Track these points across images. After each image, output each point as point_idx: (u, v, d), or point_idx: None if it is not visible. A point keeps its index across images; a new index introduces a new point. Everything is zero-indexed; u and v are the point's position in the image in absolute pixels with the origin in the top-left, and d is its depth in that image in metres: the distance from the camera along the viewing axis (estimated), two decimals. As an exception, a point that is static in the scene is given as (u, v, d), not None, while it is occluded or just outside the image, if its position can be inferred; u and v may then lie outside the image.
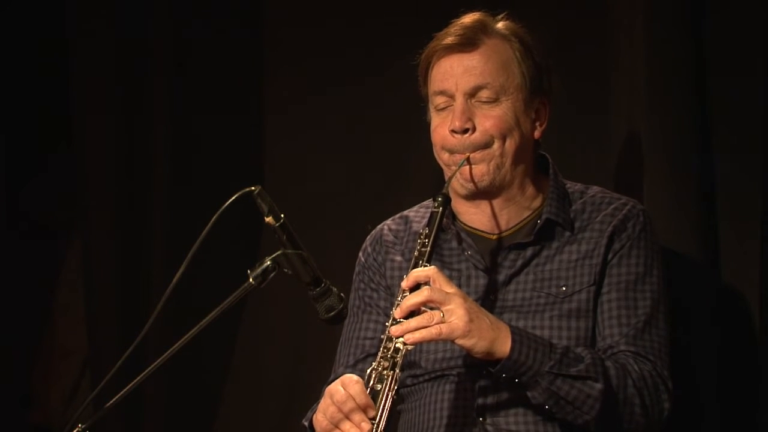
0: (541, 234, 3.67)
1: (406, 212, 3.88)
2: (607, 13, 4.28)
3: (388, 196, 4.54)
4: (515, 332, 3.43)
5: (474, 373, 3.58)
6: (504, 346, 3.41)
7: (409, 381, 3.69)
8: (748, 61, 4.04)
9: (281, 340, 4.83)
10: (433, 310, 3.38)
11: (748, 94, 4.03)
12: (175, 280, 3.19)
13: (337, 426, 3.36)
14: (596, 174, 4.11)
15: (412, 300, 3.38)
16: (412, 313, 3.39)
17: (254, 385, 4.88)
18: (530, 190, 3.72)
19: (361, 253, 3.87)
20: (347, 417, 3.35)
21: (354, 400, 3.35)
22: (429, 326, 3.35)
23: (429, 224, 3.54)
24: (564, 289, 3.62)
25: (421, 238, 3.52)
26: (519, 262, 3.66)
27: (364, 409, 3.34)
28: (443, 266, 3.68)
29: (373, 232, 3.88)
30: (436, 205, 3.57)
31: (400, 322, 3.38)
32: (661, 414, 3.55)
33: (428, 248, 3.49)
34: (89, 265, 5.03)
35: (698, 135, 4.05)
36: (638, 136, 4.14)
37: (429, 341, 3.43)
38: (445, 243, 3.73)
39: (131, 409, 4.83)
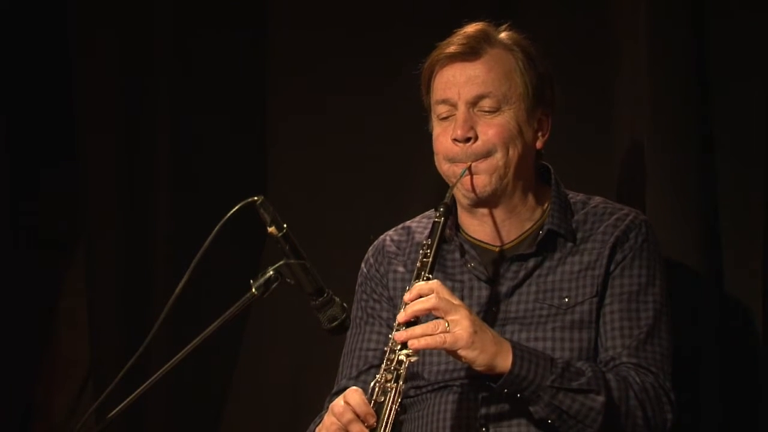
0: (543, 245, 3.67)
1: (408, 223, 3.88)
2: (610, 23, 4.29)
3: (391, 207, 4.54)
4: (516, 347, 3.43)
5: (477, 385, 3.58)
6: (505, 360, 3.41)
7: (412, 392, 3.68)
8: (752, 71, 4.04)
9: (284, 350, 4.83)
10: (437, 320, 3.39)
11: (751, 104, 4.03)
12: (178, 290, 3.19)
13: None
14: (598, 184, 4.10)
15: (418, 306, 3.38)
16: (414, 324, 3.40)
17: (257, 396, 4.87)
18: (532, 200, 3.72)
19: (363, 264, 3.87)
20: (346, 428, 3.36)
21: (353, 410, 3.35)
22: (434, 334, 3.36)
23: (431, 234, 3.55)
24: (566, 300, 3.62)
25: (423, 249, 3.53)
26: (521, 274, 3.66)
27: (363, 418, 3.35)
28: (446, 277, 3.68)
29: (375, 243, 3.89)
30: (437, 215, 3.57)
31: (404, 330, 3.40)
32: (664, 425, 3.55)
33: (430, 259, 3.49)
34: (92, 275, 5.03)
35: (701, 145, 4.06)
36: (640, 146, 4.14)
37: (432, 349, 3.44)
38: (448, 254, 3.73)
39: (134, 419, 4.82)
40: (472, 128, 3.63)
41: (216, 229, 3.20)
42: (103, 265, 5.01)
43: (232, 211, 3.19)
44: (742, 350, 4.05)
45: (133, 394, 3.15)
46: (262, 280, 3.19)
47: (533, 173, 3.73)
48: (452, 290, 3.51)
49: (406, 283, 3.63)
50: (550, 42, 3.98)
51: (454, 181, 3.62)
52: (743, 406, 4.03)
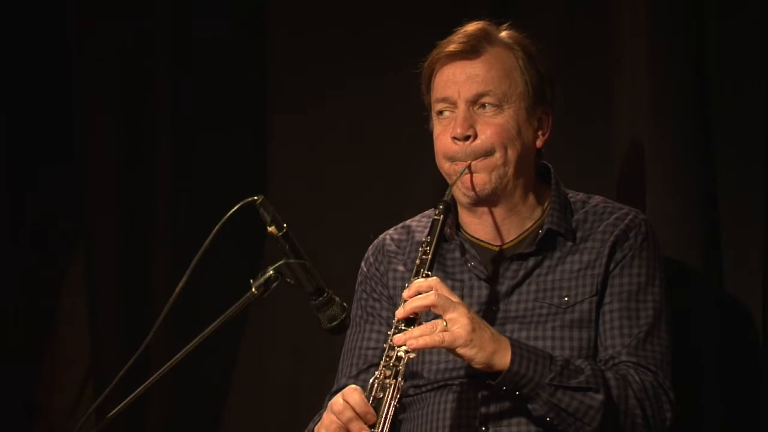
0: (543, 244, 3.67)
1: (408, 222, 3.89)
2: (610, 22, 4.29)
3: (391, 206, 4.54)
4: (515, 345, 3.43)
5: (476, 383, 3.58)
6: (504, 358, 3.41)
7: (411, 391, 3.69)
8: (752, 70, 4.04)
9: (283, 350, 4.83)
10: (435, 320, 3.39)
11: (751, 103, 4.03)
12: (178, 289, 3.19)
13: None
14: (598, 184, 4.10)
15: (417, 302, 3.39)
16: (414, 321, 3.41)
17: (257, 395, 4.87)
18: (532, 199, 3.72)
19: (363, 263, 3.88)
20: (346, 426, 3.36)
21: (353, 409, 3.35)
22: (432, 334, 3.36)
23: (430, 232, 3.55)
24: (566, 299, 3.62)
25: (422, 247, 3.53)
26: (521, 273, 3.66)
27: (363, 417, 3.35)
28: (446, 276, 3.69)
29: (375, 241, 3.89)
30: (437, 212, 3.58)
31: (403, 330, 3.39)
32: (663, 424, 3.55)
33: (429, 256, 3.50)
34: (92, 274, 5.03)
35: (701, 144, 4.06)
36: (640, 145, 4.14)
37: (431, 348, 3.44)
38: (448, 253, 3.73)
39: (134, 419, 4.83)
40: (471, 126, 3.63)
41: (216, 228, 3.20)
42: (103, 265, 5.01)
43: (232, 211, 3.19)
44: (742, 350, 4.04)
45: (133, 394, 3.15)
46: (262, 280, 3.19)
47: (533, 172, 3.73)
48: (452, 289, 3.51)
49: (406, 281, 3.63)
50: (550, 41, 3.98)
51: (454, 179, 3.62)
52: (744, 406, 4.02)
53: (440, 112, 3.69)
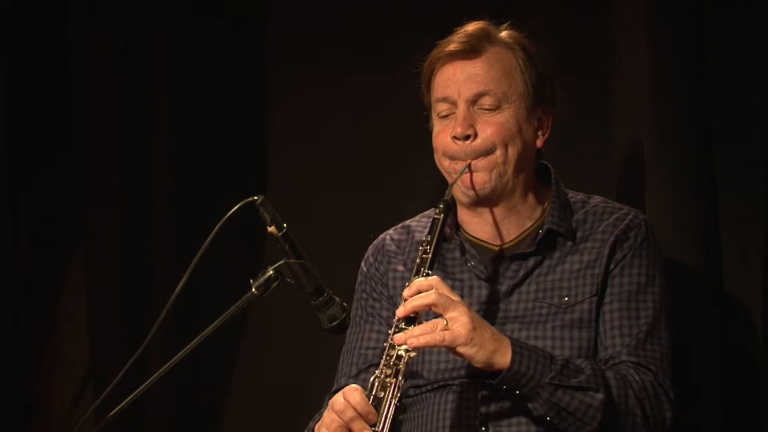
0: (543, 244, 3.67)
1: (408, 222, 3.89)
2: (610, 22, 4.29)
3: (391, 205, 4.54)
4: (515, 344, 3.43)
5: (476, 383, 3.58)
6: (504, 357, 3.41)
7: (411, 391, 3.69)
8: (752, 69, 4.04)
9: (284, 349, 4.83)
10: (436, 319, 3.39)
11: (751, 103, 4.03)
12: (178, 289, 3.19)
13: None
14: (598, 183, 4.11)
15: (418, 301, 3.39)
16: (414, 320, 3.41)
17: (256, 396, 4.88)
18: (532, 199, 3.72)
19: (363, 263, 3.88)
20: (347, 425, 3.36)
21: (354, 408, 3.35)
22: (432, 333, 3.36)
23: (430, 231, 3.55)
24: (566, 299, 3.62)
25: (422, 246, 3.53)
26: (521, 273, 3.66)
27: (364, 417, 3.35)
28: (446, 276, 3.69)
29: (375, 241, 3.89)
30: (437, 211, 3.58)
31: (403, 329, 3.39)
32: (663, 423, 3.55)
33: (429, 255, 3.50)
34: (91, 274, 5.03)
35: (701, 144, 4.06)
36: (640, 145, 4.14)
37: (432, 347, 3.44)
38: (448, 253, 3.73)
39: (134, 419, 4.83)
40: (471, 126, 3.63)
41: (216, 228, 3.20)
42: (103, 265, 5.01)
43: (232, 211, 3.20)
44: (742, 350, 4.04)
45: (133, 394, 3.16)
46: (262, 280, 3.19)
47: (533, 172, 3.73)
48: (452, 289, 3.51)
49: (406, 281, 3.63)
50: (550, 40, 3.98)
51: (454, 177, 3.63)
52: (744, 406, 4.02)
53: (440, 112, 3.69)
